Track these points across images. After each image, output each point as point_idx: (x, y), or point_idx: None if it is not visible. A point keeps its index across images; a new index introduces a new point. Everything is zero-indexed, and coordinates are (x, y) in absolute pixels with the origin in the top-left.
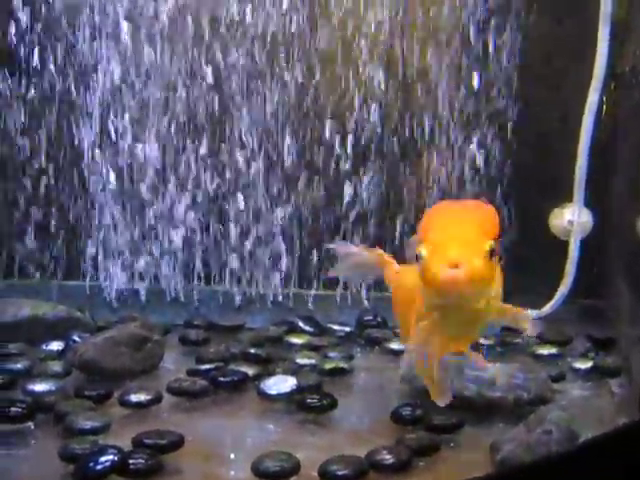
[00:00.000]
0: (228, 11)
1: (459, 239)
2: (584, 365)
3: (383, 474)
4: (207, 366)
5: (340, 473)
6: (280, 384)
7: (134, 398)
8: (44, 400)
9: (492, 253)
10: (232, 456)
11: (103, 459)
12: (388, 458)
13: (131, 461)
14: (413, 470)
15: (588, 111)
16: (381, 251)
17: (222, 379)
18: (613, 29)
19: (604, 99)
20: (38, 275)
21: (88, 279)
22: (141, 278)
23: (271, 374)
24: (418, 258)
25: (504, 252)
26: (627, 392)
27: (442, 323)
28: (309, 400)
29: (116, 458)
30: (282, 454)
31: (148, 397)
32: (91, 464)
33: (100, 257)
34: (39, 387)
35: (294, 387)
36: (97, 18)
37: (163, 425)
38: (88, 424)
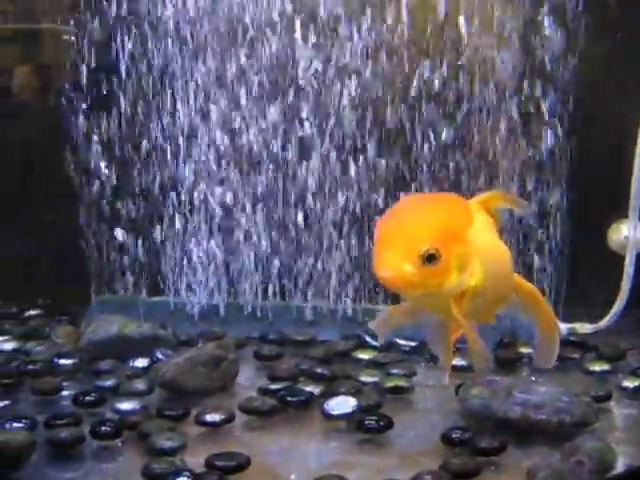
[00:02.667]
0: None
1: (393, 244)
2: (633, 383)
3: None
4: (276, 385)
5: None
6: (342, 404)
7: (209, 418)
8: (129, 419)
9: (430, 258)
10: (293, 477)
11: None
12: None
13: None
14: None
15: None
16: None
17: (290, 399)
18: None
19: None
20: (125, 292)
21: (172, 295)
22: (220, 293)
23: (335, 393)
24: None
25: None
26: None
27: (417, 307)
28: (367, 421)
29: None
30: (336, 477)
31: (222, 417)
32: None
33: (182, 274)
34: (125, 406)
35: (355, 407)
36: None
37: (234, 444)
38: (167, 444)
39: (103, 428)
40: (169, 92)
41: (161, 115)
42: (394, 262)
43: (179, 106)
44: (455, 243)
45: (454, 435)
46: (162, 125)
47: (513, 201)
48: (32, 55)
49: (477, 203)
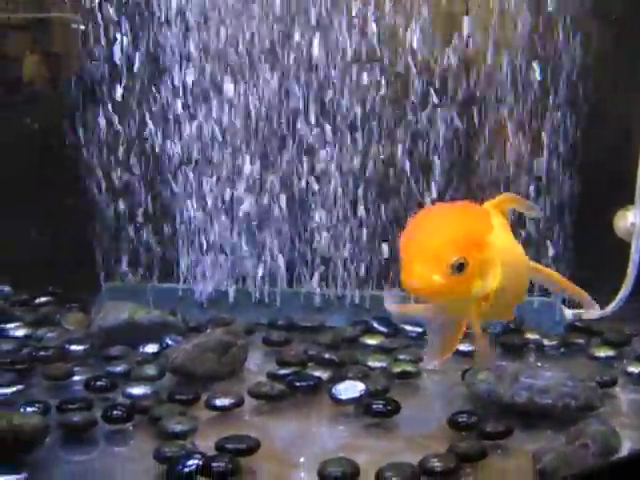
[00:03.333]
0: None
1: (422, 255)
2: (638, 369)
3: None
4: (285, 370)
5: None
6: (350, 389)
7: (219, 402)
8: (141, 403)
9: (460, 267)
10: (302, 460)
11: (190, 462)
12: (437, 465)
13: (214, 464)
14: (459, 476)
15: None
16: None
17: (298, 383)
18: None
19: None
20: (136, 278)
21: (181, 281)
22: (229, 280)
23: (343, 378)
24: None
25: None
26: None
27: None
28: (375, 405)
29: (200, 462)
30: (344, 460)
31: (231, 401)
32: (180, 466)
33: (191, 261)
34: (136, 390)
35: (363, 392)
36: None
37: (244, 428)
38: (178, 427)
39: (115, 412)
40: (178, 79)
41: (171, 101)
42: (425, 273)
43: (189, 92)
44: (478, 250)
45: (460, 419)
46: (173, 111)
47: (524, 204)
48: (41, 44)
49: (491, 206)
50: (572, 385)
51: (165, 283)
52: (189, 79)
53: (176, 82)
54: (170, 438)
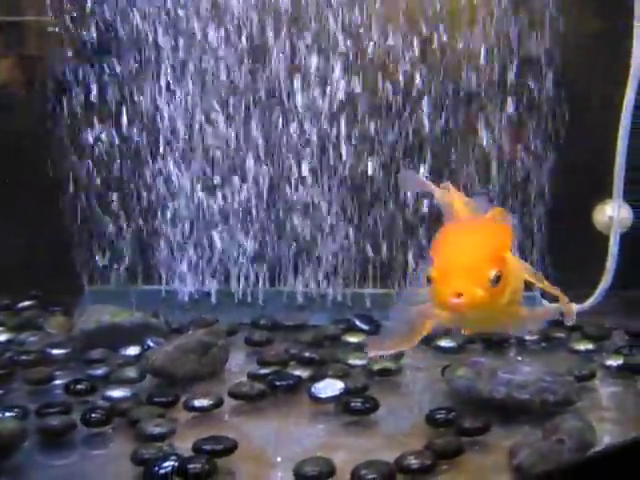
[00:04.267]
0: None
1: (462, 270)
2: (616, 362)
3: (409, 478)
4: (265, 370)
5: (370, 477)
6: (329, 387)
7: (197, 403)
8: (120, 406)
9: (497, 279)
10: (279, 459)
11: (166, 464)
12: (413, 462)
13: (190, 466)
14: (435, 473)
15: (625, 108)
16: None
17: (278, 383)
18: None
19: None
20: (118, 281)
21: (164, 283)
22: (212, 281)
23: (323, 377)
24: (429, 279)
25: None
26: None
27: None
28: (353, 403)
29: (176, 464)
30: (320, 459)
31: (210, 402)
32: (156, 468)
33: (174, 262)
34: (116, 393)
35: (342, 390)
36: None
37: (223, 428)
38: (156, 430)
39: (93, 415)
40: (158, 81)
41: (150, 105)
42: (468, 288)
43: (168, 94)
44: (504, 263)
45: (438, 416)
46: (153, 114)
47: (508, 216)
48: (16, 47)
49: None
50: (550, 380)
51: (148, 285)
52: (165, 80)
53: (153, 82)
54: (148, 440)
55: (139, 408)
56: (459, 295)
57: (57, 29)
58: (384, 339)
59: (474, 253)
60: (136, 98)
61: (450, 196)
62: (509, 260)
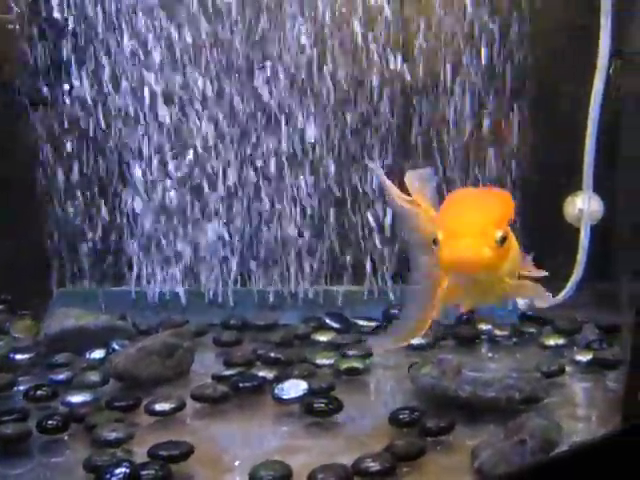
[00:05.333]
0: None
1: (470, 229)
2: (585, 357)
3: None
4: (230, 371)
5: None
6: (293, 388)
7: (158, 407)
8: (79, 412)
9: (503, 240)
10: (237, 463)
11: (117, 471)
12: (372, 465)
13: (143, 472)
14: (395, 476)
15: (594, 98)
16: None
17: (242, 384)
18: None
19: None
20: (87, 283)
21: (133, 284)
22: (181, 281)
23: (289, 377)
24: (435, 242)
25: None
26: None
27: (462, 290)
28: (316, 404)
29: (128, 470)
30: (277, 463)
31: (172, 405)
32: (108, 475)
33: (142, 263)
34: (76, 399)
35: (305, 391)
36: None
37: (183, 432)
38: (113, 435)
39: (50, 422)
40: (122, 79)
41: (117, 103)
42: (475, 246)
43: (133, 93)
44: (507, 227)
45: (401, 416)
46: (120, 114)
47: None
48: None
49: None
50: (517, 377)
51: (118, 286)
52: (132, 78)
53: (120, 81)
54: (104, 446)
55: (98, 413)
56: (468, 253)
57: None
58: (400, 330)
59: (480, 214)
60: (109, 97)
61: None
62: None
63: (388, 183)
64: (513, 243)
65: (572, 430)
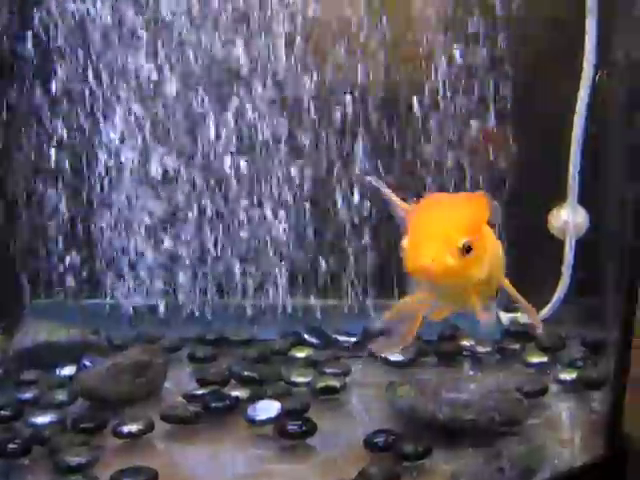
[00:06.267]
0: None
1: (434, 236)
2: (569, 376)
3: None
4: (202, 391)
5: None
6: (266, 409)
7: (126, 429)
8: (42, 434)
9: (468, 249)
10: None
11: None
12: None
13: None
14: None
15: (579, 107)
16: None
17: (214, 404)
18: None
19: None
20: (62, 295)
21: (108, 297)
22: (158, 294)
23: (262, 397)
24: (403, 249)
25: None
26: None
27: (434, 297)
28: (289, 427)
29: None
30: None
31: (139, 427)
32: None
33: (119, 275)
34: (41, 419)
35: (279, 411)
36: None
37: (150, 455)
38: (76, 460)
39: (10, 445)
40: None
41: (86, 107)
42: (437, 254)
43: (101, 95)
44: (479, 236)
45: (377, 439)
46: (89, 117)
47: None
48: None
49: None
50: (497, 398)
51: (94, 299)
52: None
53: (89, 85)
54: (66, 472)
55: (62, 435)
56: (429, 260)
57: None
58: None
59: (446, 222)
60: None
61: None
62: (486, 235)
63: (391, 195)
64: (493, 250)
65: (553, 455)
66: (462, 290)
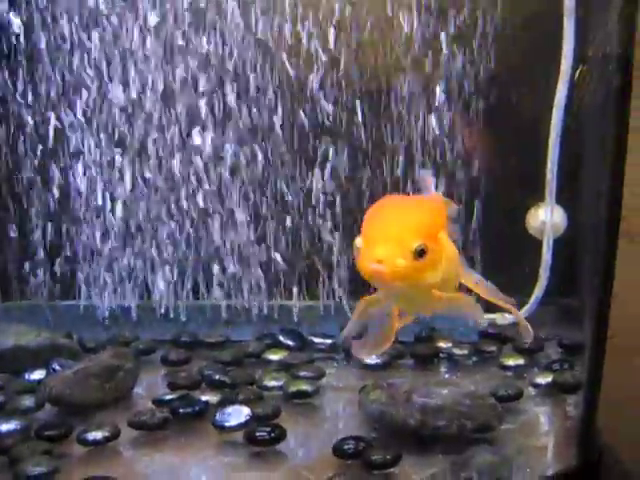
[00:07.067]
0: None
1: (387, 238)
2: (545, 379)
3: None
4: (171, 396)
5: None
6: (235, 414)
7: (90, 436)
8: (5, 442)
9: (421, 252)
10: None
11: None
12: None
13: None
14: None
15: (557, 106)
16: None
17: (182, 410)
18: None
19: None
20: (35, 296)
21: (82, 299)
22: (132, 296)
23: (233, 401)
24: (355, 248)
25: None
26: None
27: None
28: (258, 433)
29: None
30: None
31: (105, 434)
32: None
33: (91, 276)
34: (4, 427)
35: (248, 417)
36: None
37: (115, 464)
38: (36, 470)
39: None
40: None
41: (74, 108)
42: (388, 257)
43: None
44: (434, 240)
45: (346, 446)
46: (72, 119)
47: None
48: None
49: None
50: (469, 404)
51: (67, 300)
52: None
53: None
54: None
55: (23, 444)
56: (380, 262)
57: None
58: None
59: (400, 225)
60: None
61: None
62: (442, 241)
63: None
64: (449, 253)
65: (523, 464)
66: (418, 294)
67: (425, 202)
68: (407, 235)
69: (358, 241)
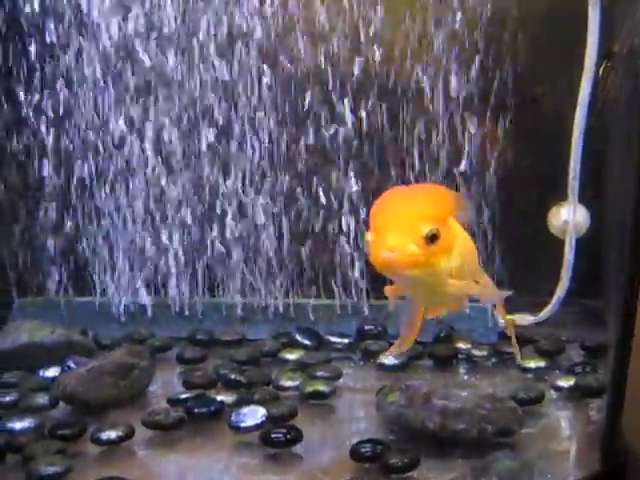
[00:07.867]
0: None
1: (396, 227)
2: (567, 383)
3: None
4: (186, 395)
5: None
6: (250, 415)
7: (104, 436)
8: (18, 440)
9: (433, 237)
10: None
11: None
12: None
13: None
14: None
15: (580, 103)
16: None
17: (197, 410)
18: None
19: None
20: (50, 293)
21: (98, 295)
22: (148, 293)
23: (249, 402)
24: (366, 243)
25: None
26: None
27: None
28: (273, 435)
29: None
30: None
31: (119, 434)
32: None
33: (107, 273)
34: (18, 425)
35: (263, 418)
36: None
37: (129, 464)
38: (50, 470)
39: None
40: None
41: (78, 108)
42: (400, 244)
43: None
44: (445, 226)
45: (363, 449)
46: (79, 119)
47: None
48: None
49: None
50: (489, 407)
51: (82, 297)
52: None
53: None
54: None
55: (37, 442)
56: (391, 251)
57: None
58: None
59: (408, 212)
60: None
61: None
62: (453, 227)
63: None
64: (463, 240)
65: (545, 469)
66: (434, 282)
67: (430, 189)
68: (417, 221)
69: (368, 235)
